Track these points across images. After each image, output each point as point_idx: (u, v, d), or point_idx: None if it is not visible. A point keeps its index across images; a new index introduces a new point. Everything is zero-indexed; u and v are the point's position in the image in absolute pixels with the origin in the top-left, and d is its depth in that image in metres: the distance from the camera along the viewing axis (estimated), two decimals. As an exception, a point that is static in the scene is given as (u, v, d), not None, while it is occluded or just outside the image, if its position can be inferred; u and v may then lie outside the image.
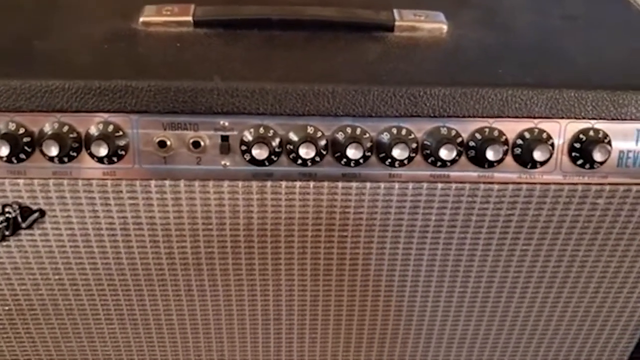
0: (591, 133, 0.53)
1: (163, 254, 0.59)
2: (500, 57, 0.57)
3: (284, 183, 0.55)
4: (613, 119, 0.53)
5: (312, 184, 0.55)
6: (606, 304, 0.65)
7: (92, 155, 0.53)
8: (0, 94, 0.50)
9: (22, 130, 0.52)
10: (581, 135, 0.53)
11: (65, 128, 0.52)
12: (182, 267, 0.60)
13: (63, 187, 0.55)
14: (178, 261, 0.60)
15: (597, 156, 0.53)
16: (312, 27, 0.59)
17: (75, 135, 0.52)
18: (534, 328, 0.67)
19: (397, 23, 0.58)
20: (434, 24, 0.59)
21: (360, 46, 0.57)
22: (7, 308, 0.62)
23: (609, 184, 0.55)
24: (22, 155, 0.52)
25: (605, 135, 0.53)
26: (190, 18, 0.59)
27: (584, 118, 0.53)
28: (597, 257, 0.60)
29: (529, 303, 0.64)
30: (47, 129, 0.52)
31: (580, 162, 0.54)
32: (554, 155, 0.54)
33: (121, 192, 0.55)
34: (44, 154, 0.52)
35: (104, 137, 0.52)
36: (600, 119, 0.53)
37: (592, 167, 0.54)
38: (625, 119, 0.53)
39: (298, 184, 0.55)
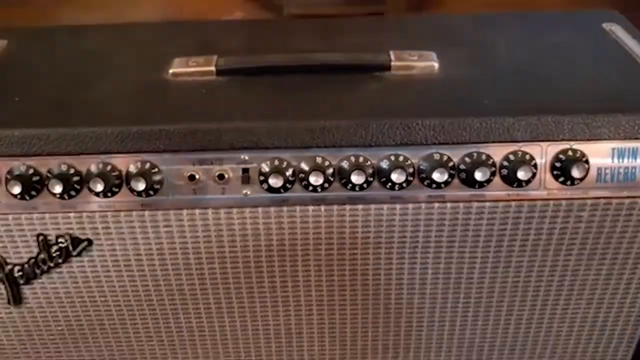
0: (570, 153, 0.59)
1: (195, 276, 0.66)
2: (486, 89, 0.63)
3: (298, 207, 0.62)
4: (589, 140, 0.59)
5: (322, 207, 0.62)
6: (602, 309, 0.69)
7: (131, 190, 0.60)
8: (52, 139, 0.58)
9: (72, 171, 0.59)
10: (561, 155, 0.59)
11: (109, 167, 0.60)
12: (212, 287, 0.67)
13: (107, 219, 0.62)
14: (208, 282, 0.67)
15: (576, 173, 0.59)
16: (319, 71, 0.66)
17: (117, 173, 0.60)
18: (536, 335, 0.71)
19: (393, 63, 0.66)
20: (426, 63, 0.66)
21: (361, 85, 0.64)
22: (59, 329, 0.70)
23: (591, 198, 0.61)
24: (73, 192, 0.60)
25: (583, 155, 0.59)
26: (213, 68, 0.67)
27: (562, 140, 0.59)
28: (587, 265, 0.65)
29: (529, 311, 0.69)
30: (93, 169, 0.60)
31: (561, 179, 0.60)
32: (538, 174, 0.60)
33: (157, 221, 0.62)
34: (90, 191, 0.60)
35: (142, 174, 0.59)
36: (578, 140, 0.59)
37: (572, 183, 0.60)
38: (600, 139, 0.59)
39: (310, 208, 0.62)
